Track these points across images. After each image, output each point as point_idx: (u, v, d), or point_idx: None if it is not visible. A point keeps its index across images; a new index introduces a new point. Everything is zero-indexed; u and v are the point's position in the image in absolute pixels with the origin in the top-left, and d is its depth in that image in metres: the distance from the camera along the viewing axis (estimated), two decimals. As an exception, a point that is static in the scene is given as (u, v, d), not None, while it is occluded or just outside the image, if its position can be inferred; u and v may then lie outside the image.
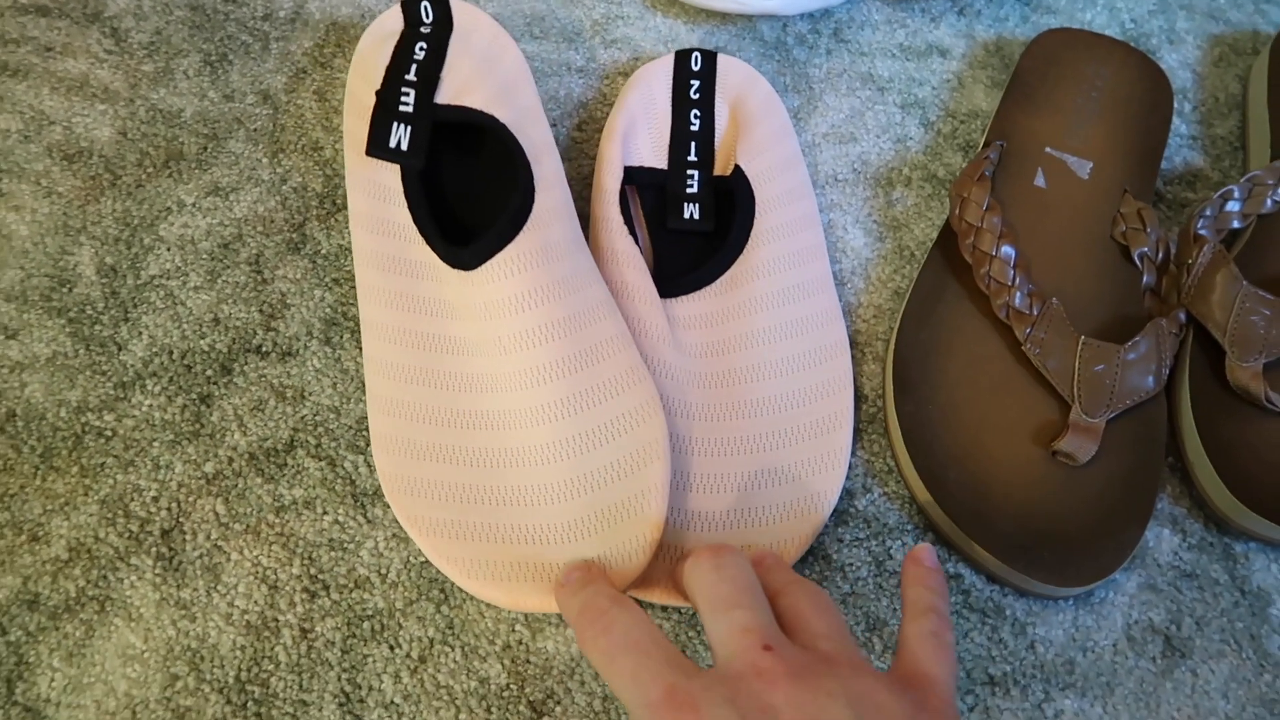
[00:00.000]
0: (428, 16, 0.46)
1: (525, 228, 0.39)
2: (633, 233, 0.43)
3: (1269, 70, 0.52)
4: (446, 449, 0.38)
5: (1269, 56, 0.52)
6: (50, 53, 0.50)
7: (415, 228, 0.41)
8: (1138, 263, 0.45)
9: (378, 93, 0.43)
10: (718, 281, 0.43)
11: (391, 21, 0.47)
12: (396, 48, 0.45)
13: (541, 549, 0.36)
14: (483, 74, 0.44)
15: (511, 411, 0.38)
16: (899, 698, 0.27)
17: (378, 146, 0.42)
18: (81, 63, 0.50)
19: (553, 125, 0.50)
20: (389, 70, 0.44)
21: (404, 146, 0.42)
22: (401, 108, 0.43)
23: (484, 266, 0.38)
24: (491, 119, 0.42)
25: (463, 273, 0.38)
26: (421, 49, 0.44)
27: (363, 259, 0.42)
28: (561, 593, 0.33)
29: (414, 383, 0.39)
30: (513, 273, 0.38)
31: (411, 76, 0.44)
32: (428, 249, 0.40)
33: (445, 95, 0.44)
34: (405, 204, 0.41)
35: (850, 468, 0.41)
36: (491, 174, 0.45)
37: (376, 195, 0.42)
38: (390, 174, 0.43)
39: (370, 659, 0.37)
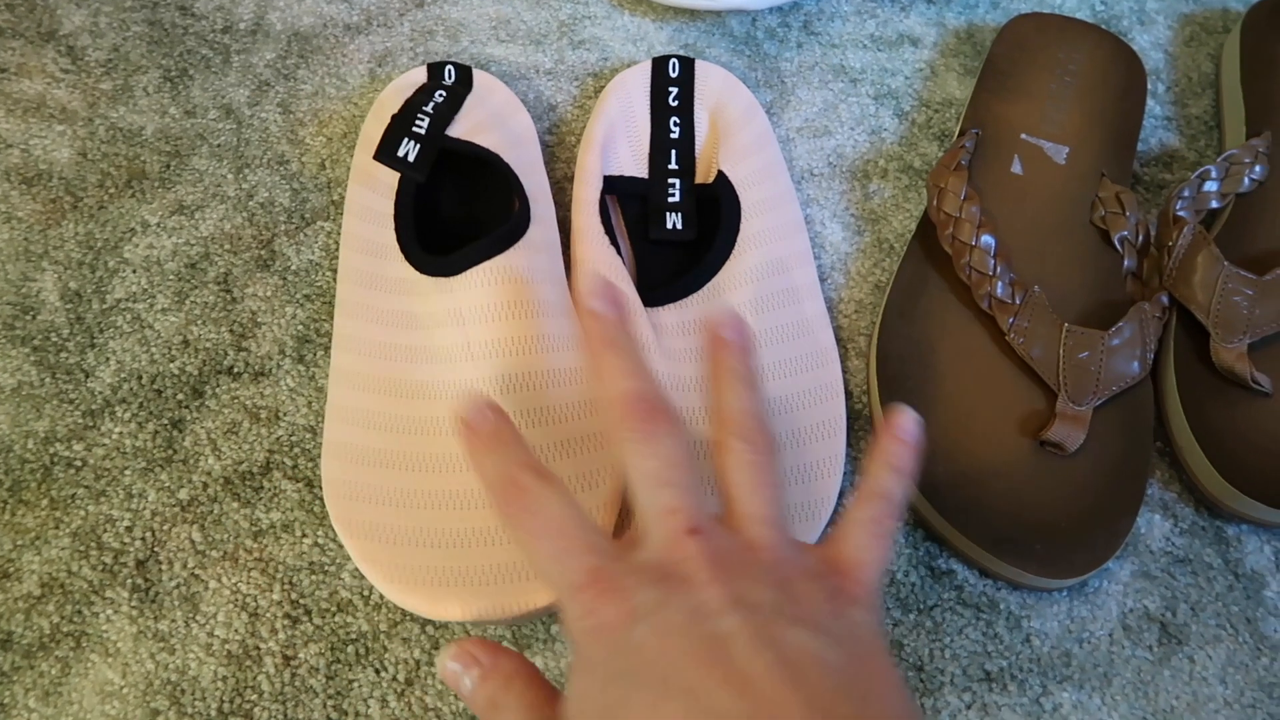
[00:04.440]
0: (449, 78, 0.48)
1: (515, 246, 0.40)
2: (614, 243, 0.43)
3: (1240, 48, 0.51)
4: (396, 454, 0.38)
5: (1240, 34, 0.52)
6: (4, 74, 0.49)
7: (398, 248, 0.41)
8: (1118, 247, 0.44)
9: (394, 115, 0.45)
10: (704, 288, 0.42)
11: (416, 77, 0.48)
12: (417, 90, 0.47)
13: (502, 552, 0.36)
14: (494, 124, 0.46)
15: None
16: (818, 584, 0.27)
17: (386, 154, 0.44)
18: (37, 83, 0.49)
19: (523, 129, 0.50)
20: (407, 102, 0.46)
21: (411, 158, 0.44)
22: (415, 128, 0.44)
23: (464, 274, 0.39)
24: (497, 156, 0.44)
25: (440, 279, 0.39)
26: (440, 95, 0.46)
27: (345, 276, 0.42)
28: (472, 441, 0.30)
29: (374, 391, 0.39)
30: (492, 283, 0.39)
31: (428, 109, 0.45)
32: (408, 266, 0.41)
33: (457, 132, 0.45)
34: (393, 227, 0.42)
35: (837, 466, 0.41)
36: (488, 208, 0.45)
37: (369, 219, 0.43)
38: (385, 199, 0.43)
39: (356, 684, 0.36)
